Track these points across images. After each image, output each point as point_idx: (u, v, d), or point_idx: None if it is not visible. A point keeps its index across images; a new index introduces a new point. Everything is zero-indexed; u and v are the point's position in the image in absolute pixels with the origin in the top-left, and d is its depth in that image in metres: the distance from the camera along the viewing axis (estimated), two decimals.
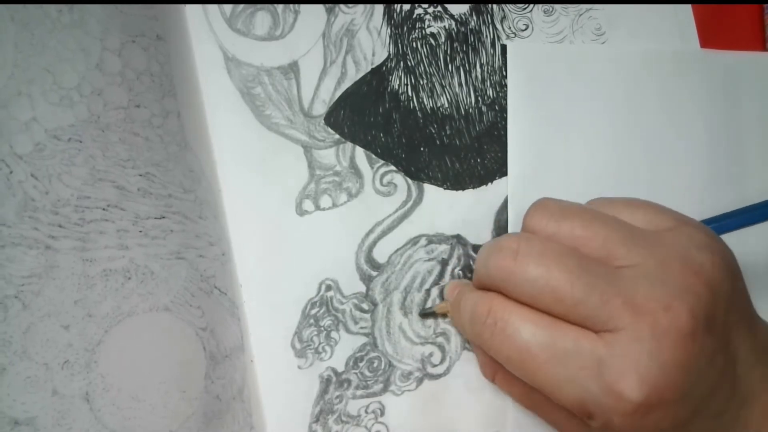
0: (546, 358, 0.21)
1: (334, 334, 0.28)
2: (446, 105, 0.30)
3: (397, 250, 0.29)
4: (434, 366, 0.29)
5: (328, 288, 0.29)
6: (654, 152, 0.31)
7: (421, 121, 0.30)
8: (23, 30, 0.26)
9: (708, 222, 0.26)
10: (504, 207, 0.30)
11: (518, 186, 0.30)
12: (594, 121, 0.31)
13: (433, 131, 0.30)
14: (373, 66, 0.30)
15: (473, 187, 0.30)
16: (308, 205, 0.29)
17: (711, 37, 0.33)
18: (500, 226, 0.30)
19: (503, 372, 0.25)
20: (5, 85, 0.25)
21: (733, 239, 0.25)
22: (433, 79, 0.30)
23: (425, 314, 0.29)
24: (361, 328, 0.29)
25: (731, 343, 0.22)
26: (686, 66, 0.32)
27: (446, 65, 0.30)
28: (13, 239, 0.25)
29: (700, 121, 0.32)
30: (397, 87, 0.30)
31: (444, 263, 0.29)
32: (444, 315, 0.28)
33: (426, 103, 0.30)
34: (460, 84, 0.30)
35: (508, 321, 0.22)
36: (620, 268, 0.21)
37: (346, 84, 0.30)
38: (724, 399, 0.22)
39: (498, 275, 0.23)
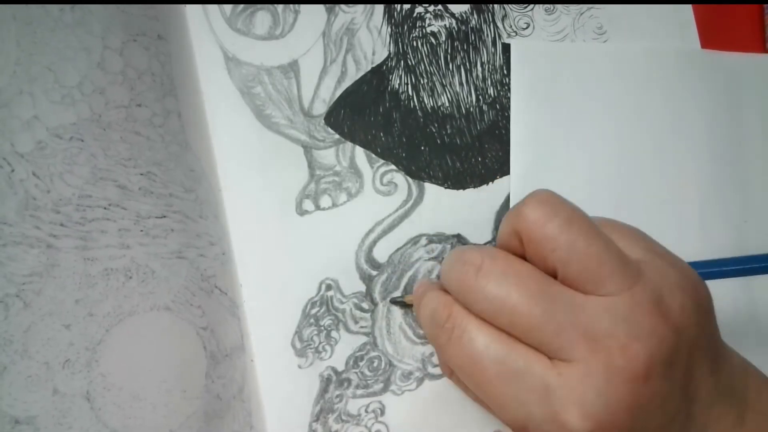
0: (496, 373, 0.21)
1: (334, 334, 0.28)
2: (447, 104, 0.30)
3: (398, 249, 0.29)
4: (435, 366, 0.29)
5: (329, 287, 0.29)
6: (656, 151, 0.31)
7: (422, 121, 0.30)
8: (25, 28, 0.26)
9: (695, 266, 0.24)
10: (505, 206, 0.30)
11: (520, 185, 0.30)
12: (596, 119, 0.31)
13: (434, 130, 0.30)
14: (374, 65, 0.30)
15: (474, 187, 0.30)
16: (308, 204, 0.29)
17: (711, 36, 0.33)
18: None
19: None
20: (7, 84, 0.25)
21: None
22: (434, 78, 0.30)
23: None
24: (362, 327, 0.29)
25: (690, 385, 0.21)
26: (688, 66, 0.32)
27: (447, 64, 0.30)
28: (15, 238, 0.25)
29: (701, 120, 0.32)
30: (397, 86, 0.30)
31: None
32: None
33: (426, 102, 0.30)
34: (460, 83, 0.30)
35: (465, 329, 0.22)
36: (590, 296, 0.21)
37: (347, 83, 0.30)
38: None
39: (459, 288, 0.22)
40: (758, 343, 0.30)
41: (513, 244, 0.23)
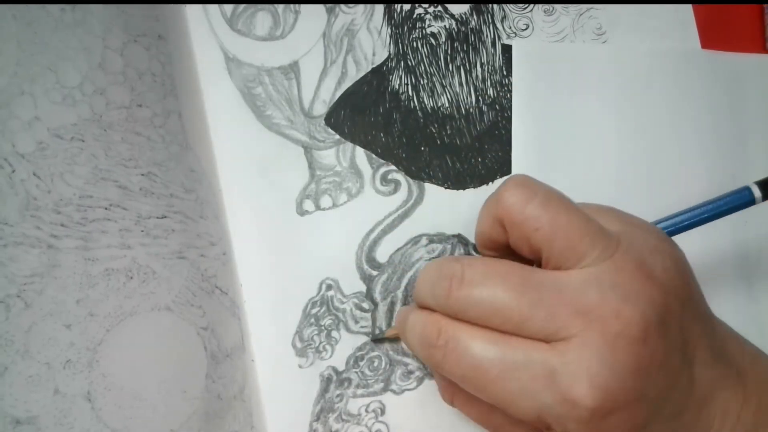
0: (498, 372, 0.21)
1: (334, 334, 0.28)
2: (447, 104, 0.30)
3: (398, 249, 0.29)
4: None
5: (329, 287, 0.29)
6: (657, 151, 0.31)
7: (422, 121, 0.30)
8: (26, 29, 0.26)
9: (658, 222, 0.26)
10: None
11: None
12: (598, 120, 0.31)
13: (434, 131, 0.30)
14: (374, 66, 0.30)
15: (474, 187, 0.30)
16: (309, 205, 0.29)
17: (711, 37, 0.33)
18: None
19: (461, 394, 0.25)
20: (8, 84, 0.25)
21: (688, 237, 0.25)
22: (434, 79, 0.30)
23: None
24: (362, 327, 0.29)
25: (688, 344, 0.22)
26: (689, 66, 0.32)
27: (447, 65, 0.30)
28: (16, 238, 0.25)
29: (702, 120, 0.32)
30: (397, 87, 0.30)
31: None
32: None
33: (426, 102, 0.30)
34: (460, 83, 0.30)
35: (458, 340, 0.22)
36: (573, 270, 0.21)
37: (347, 84, 0.30)
38: (681, 399, 0.22)
39: (445, 302, 0.22)
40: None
41: (495, 231, 0.23)
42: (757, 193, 0.25)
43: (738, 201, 0.26)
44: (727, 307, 0.29)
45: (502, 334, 0.21)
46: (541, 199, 0.22)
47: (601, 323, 0.20)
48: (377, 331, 0.29)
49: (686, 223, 0.26)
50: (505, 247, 0.23)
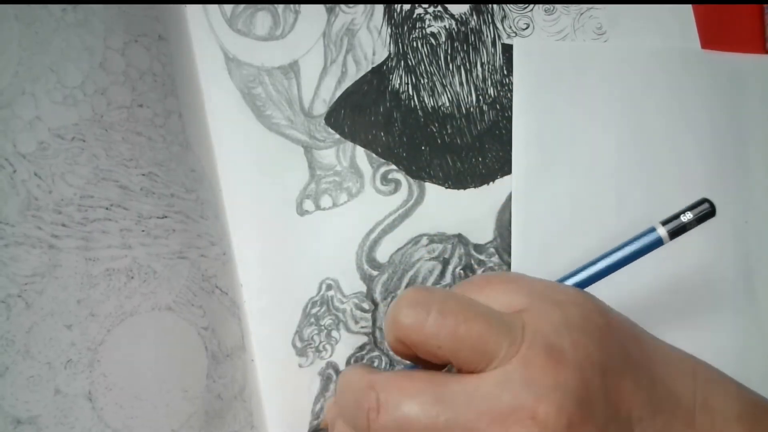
0: None
1: (334, 333, 0.28)
2: (447, 104, 0.30)
3: (398, 249, 0.29)
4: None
5: (329, 287, 0.29)
6: (657, 151, 0.31)
7: (422, 120, 0.30)
8: (27, 29, 0.26)
9: (566, 278, 0.24)
10: (506, 206, 0.30)
11: (523, 184, 0.30)
12: (598, 119, 0.31)
13: (434, 130, 0.30)
14: (374, 65, 0.30)
15: (475, 187, 0.30)
16: (309, 205, 0.29)
17: (711, 37, 0.33)
18: (501, 225, 0.30)
19: None
20: (9, 84, 0.25)
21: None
22: (434, 79, 0.30)
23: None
24: (362, 327, 0.29)
25: (621, 408, 0.21)
26: (690, 67, 0.32)
27: (447, 64, 0.31)
28: (17, 238, 0.25)
29: (703, 120, 0.32)
30: (397, 86, 0.30)
31: (445, 263, 0.29)
32: None
33: (427, 102, 0.30)
34: (460, 83, 0.31)
35: None
36: (484, 374, 0.20)
37: (347, 83, 0.30)
38: None
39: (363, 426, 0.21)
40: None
41: (400, 347, 0.22)
42: (662, 232, 0.24)
43: (646, 243, 0.24)
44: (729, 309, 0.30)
45: None
46: (435, 315, 0.21)
47: (520, 428, 0.19)
48: (377, 332, 0.29)
49: (594, 274, 0.24)
50: (416, 356, 0.22)
